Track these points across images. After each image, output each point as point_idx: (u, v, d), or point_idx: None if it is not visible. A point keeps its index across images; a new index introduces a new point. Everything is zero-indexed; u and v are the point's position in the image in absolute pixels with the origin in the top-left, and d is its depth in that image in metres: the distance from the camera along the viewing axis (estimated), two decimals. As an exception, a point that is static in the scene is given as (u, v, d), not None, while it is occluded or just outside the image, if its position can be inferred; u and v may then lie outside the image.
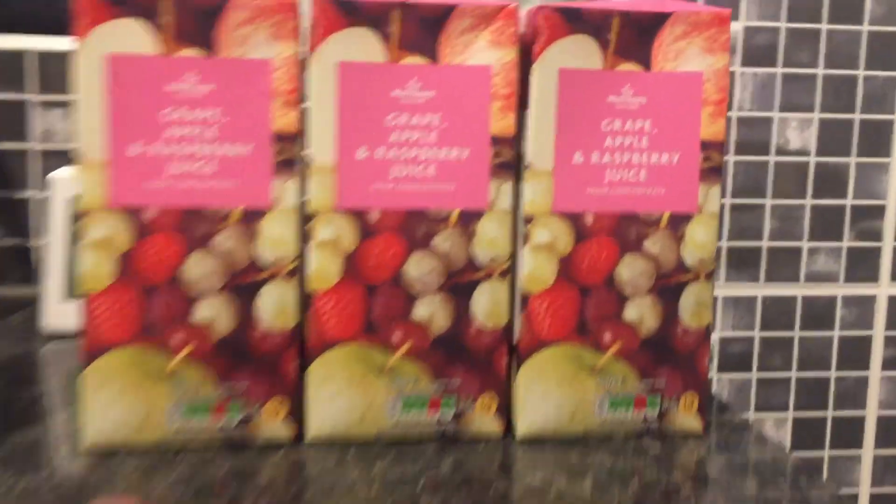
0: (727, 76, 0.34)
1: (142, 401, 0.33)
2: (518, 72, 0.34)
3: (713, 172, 0.35)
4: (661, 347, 0.35)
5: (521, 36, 0.35)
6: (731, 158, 0.68)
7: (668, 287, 0.35)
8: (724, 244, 0.69)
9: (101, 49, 0.31)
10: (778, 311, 0.71)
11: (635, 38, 0.34)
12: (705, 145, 0.35)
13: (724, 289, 0.71)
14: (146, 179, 0.32)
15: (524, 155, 0.34)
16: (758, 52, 0.67)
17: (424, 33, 0.33)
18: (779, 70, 0.67)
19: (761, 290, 0.71)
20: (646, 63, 0.34)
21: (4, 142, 0.55)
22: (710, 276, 0.35)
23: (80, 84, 0.31)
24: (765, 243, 0.70)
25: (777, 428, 0.72)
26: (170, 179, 0.32)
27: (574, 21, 0.33)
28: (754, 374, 0.72)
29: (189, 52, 0.32)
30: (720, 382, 0.71)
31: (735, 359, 0.71)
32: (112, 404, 0.32)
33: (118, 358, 0.32)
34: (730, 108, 0.34)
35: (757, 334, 0.71)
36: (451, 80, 0.33)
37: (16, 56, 0.54)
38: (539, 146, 0.34)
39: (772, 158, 0.68)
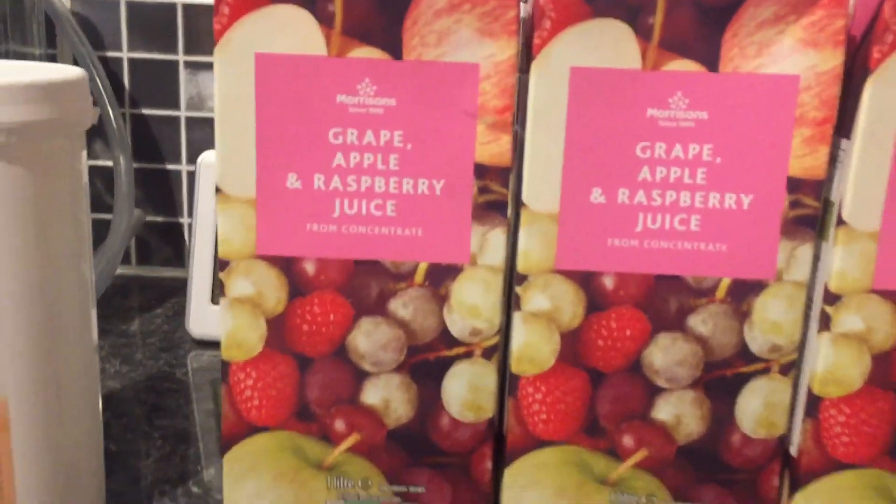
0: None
1: (294, 497, 0.26)
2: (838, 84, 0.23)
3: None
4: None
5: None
6: None
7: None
8: None
9: (248, 47, 0.23)
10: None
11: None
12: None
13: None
14: (306, 222, 0.24)
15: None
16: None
17: (700, 27, 0.23)
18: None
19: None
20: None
21: (152, 108, 0.50)
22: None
23: (219, 94, 0.23)
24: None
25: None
26: (336, 223, 0.24)
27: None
28: None
29: (365, 53, 0.23)
30: None
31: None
32: (257, 499, 0.26)
33: (267, 444, 0.25)
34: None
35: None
36: (734, 97, 0.23)
37: (164, 10, 0.48)
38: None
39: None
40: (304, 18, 0.23)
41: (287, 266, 0.24)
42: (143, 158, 0.51)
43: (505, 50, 0.23)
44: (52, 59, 0.49)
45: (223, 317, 0.25)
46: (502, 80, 0.23)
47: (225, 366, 0.25)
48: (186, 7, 0.49)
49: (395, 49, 0.23)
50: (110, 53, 0.49)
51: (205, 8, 0.49)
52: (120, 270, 0.51)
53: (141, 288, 0.49)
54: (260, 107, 0.23)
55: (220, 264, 0.24)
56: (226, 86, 0.23)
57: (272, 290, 0.25)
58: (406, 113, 0.23)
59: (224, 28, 0.23)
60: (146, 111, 0.50)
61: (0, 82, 0.22)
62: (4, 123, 0.22)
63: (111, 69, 0.50)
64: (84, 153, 0.25)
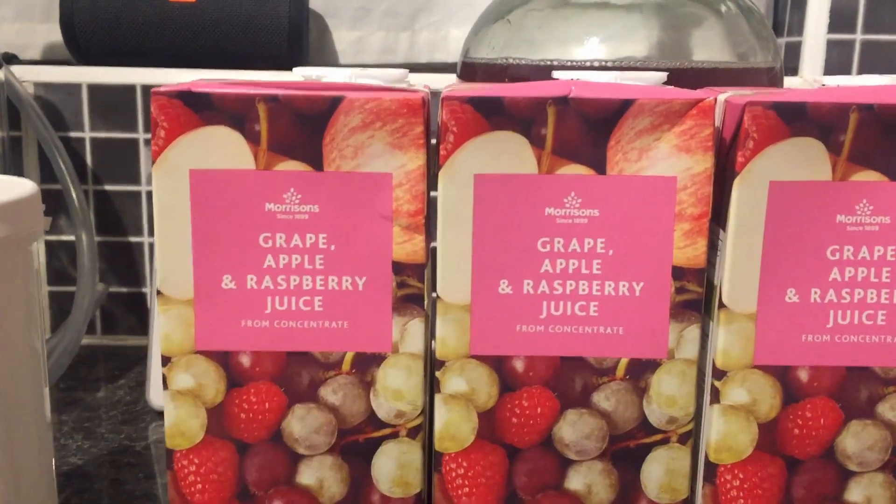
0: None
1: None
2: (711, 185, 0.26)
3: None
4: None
5: (718, 139, 0.27)
6: None
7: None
8: None
9: (183, 164, 0.25)
10: None
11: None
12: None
13: None
14: (241, 319, 0.26)
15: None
16: None
17: (587, 136, 0.25)
18: None
19: None
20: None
21: (115, 184, 0.52)
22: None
23: (158, 206, 0.26)
24: None
25: None
26: (268, 318, 0.26)
27: (793, 119, 0.25)
28: None
29: (290, 166, 0.26)
30: None
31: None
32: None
33: None
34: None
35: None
36: (621, 196, 0.25)
37: (124, 91, 0.51)
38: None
39: None
40: (233, 137, 0.25)
41: (224, 360, 0.27)
42: (107, 232, 0.53)
43: (414, 160, 0.26)
44: (17, 141, 0.51)
45: (166, 408, 0.27)
46: (413, 186, 0.26)
47: (170, 453, 0.27)
48: (145, 88, 0.51)
49: (316, 161, 0.26)
50: (73, 134, 0.52)
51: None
52: (87, 341, 0.53)
53: (106, 357, 0.51)
54: (195, 217, 0.26)
55: (163, 360, 0.27)
56: (164, 199, 0.26)
57: (211, 382, 0.27)
58: (329, 218, 0.26)
59: (161, 149, 0.25)
60: (108, 187, 0.52)
61: (-45, 206, 0.24)
62: (-41, 244, 0.24)
63: (74, 149, 0.52)
64: (35, 253, 0.27)
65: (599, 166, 0.25)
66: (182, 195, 0.26)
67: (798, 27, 0.52)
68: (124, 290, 0.53)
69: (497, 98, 0.25)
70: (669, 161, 0.25)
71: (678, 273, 0.26)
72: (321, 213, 0.26)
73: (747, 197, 0.25)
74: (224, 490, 0.27)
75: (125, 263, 0.53)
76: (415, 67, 0.59)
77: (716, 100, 0.25)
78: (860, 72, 0.51)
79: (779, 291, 0.26)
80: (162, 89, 0.25)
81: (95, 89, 0.51)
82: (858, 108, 0.25)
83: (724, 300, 0.26)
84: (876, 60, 0.51)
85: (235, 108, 0.25)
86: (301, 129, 0.25)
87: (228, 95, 0.25)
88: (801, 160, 0.25)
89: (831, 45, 0.51)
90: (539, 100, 0.25)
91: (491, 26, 0.39)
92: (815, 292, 0.26)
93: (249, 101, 0.25)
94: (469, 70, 0.40)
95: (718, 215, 0.26)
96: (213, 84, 0.26)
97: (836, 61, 0.51)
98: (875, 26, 0.51)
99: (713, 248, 0.27)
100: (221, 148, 0.25)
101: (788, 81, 0.52)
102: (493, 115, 0.25)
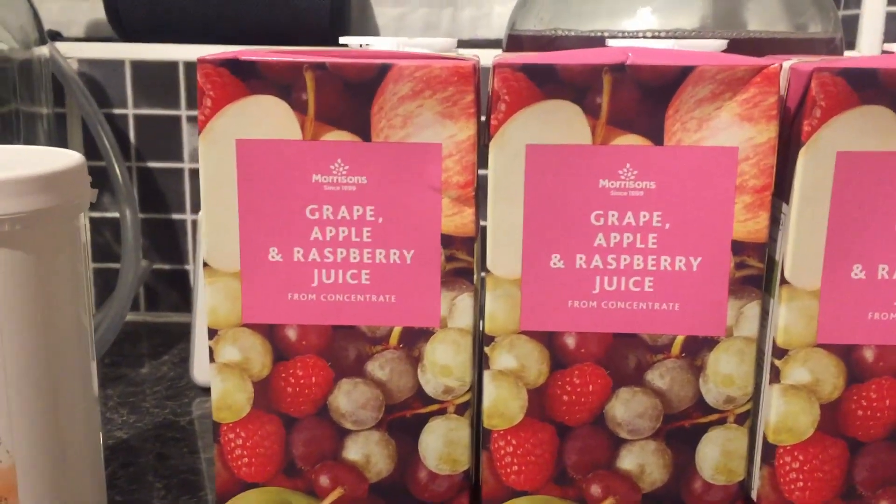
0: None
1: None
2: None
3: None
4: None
5: (782, 108, 0.26)
6: None
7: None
8: None
9: (230, 134, 0.25)
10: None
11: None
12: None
13: None
14: (287, 292, 0.26)
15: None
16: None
17: (644, 105, 0.25)
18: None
19: None
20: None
21: (157, 161, 0.53)
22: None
23: (204, 177, 0.26)
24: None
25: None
26: (315, 292, 0.26)
27: (863, 86, 0.24)
28: None
29: (337, 136, 0.25)
30: None
31: None
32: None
33: (258, 499, 0.27)
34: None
35: None
36: (679, 168, 0.25)
37: (166, 68, 0.51)
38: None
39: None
40: (280, 107, 0.25)
41: (271, 333, 0.26)
42: (150, 209, 0.53)
43: (464, 130, 0.25)
44: (61, 118, 0.52)
45: (213, 381, 0.27)
46: (463, 157, 0.25)
47: (216, 426, 0.27)
48: (188, 65, 0.51)
49: (364, 132, 0.25)
50: (116, 111, 0.52)
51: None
52: (130, 317, 0.54)
53: (150, 334, 0.51)
54: (242, 188, 0.25)
55: (209, 333, 0.26)
56: (210, 169, 0.25)
57: (258, 355, 0.26)
58: (376, 189, 0.25)
59: (207, 118, 0.25)
60: (151, 164, 0.53)
61: (4, 176, 0.24)
62: (9, 214, 0.24)
63: (117, 126, 0.52)
64: (83, 226, 0.27)
65: (657, 137, 0.25)
66: (229, 166, 0.25)
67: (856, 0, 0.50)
68: (167, 266, 0.53)
69: (550, 65, 0.24)
70: (731, 131, 0.24)
71: (738, 248, 0.25)
72: (369, 185, 0.25)
73: (813, 168, 0.24)
74: (270, 464, 0.27)
75: (168, 240, 0.53)
76: (458, 44, 0.58)
77: (781, 67, 0.24)
78: (921, 44, 0.49)
79: (845, 268, 0.25)
80: (208, 57, 0.25)
81: (138, 66, 0.51)
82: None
83: (787, 276, 0.25)
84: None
85: (282, 77, 0.25)
86: (349, 98, 0.25)
87: (275, 63, 0.25)
88: (870, 129, 0.24)
89: (890, 18, 0.49)
90: (595, 67, 0.24)
91: (538, -3, 0.38)
92: (883, 268, 0.25)
93: (297, 69, 0.25)
94: (516, 43, 0.39)
95: (781, 188, 0.25)
96: (259, 52, 0.25)
97: (895, 34, 0.49)
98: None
99: (775, 222, 0.26)
100: (268, 117, 0.25)
101: (847, 55, 0.50)
102: (546, 83, 0.24)
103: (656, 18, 0.36)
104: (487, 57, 0.46)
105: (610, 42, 0.28)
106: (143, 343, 0.50)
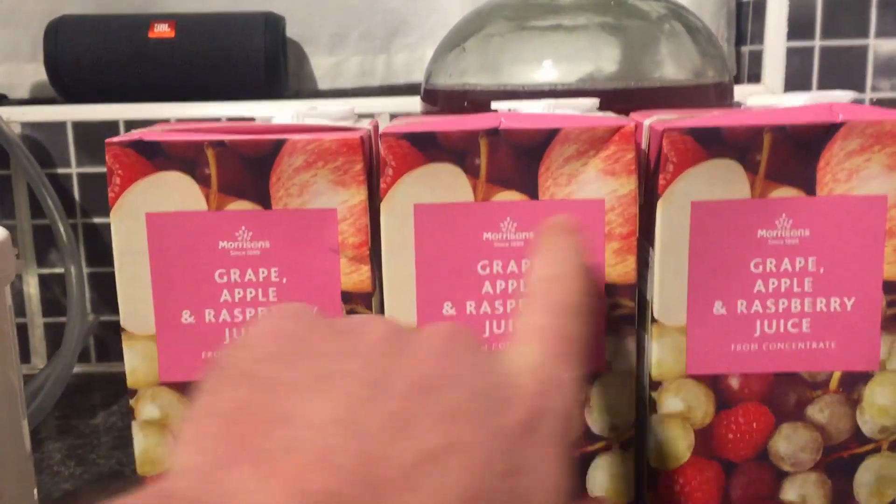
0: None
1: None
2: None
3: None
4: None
5: (645, 161, 0.28)
6: None
7: (840, 461, 0.28)
8: None
9: (139, 208, 0.27)
10: None
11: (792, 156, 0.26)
12: (890, 286, 0.27)
13: None
14: (201, 351, 0.28)
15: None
16: None
17: (519, 164, 0.27)
18: None
19: None
20: (808, 186, 0.27)
21: (102, 217, 0.54)
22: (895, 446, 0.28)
23: (117, 249, 0.28)
24: None
25: None
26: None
27: (709, 143, 0.26)
28: None
29: (240, 206, 0.27)
30: None
31: None
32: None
33: None
34: None
35: None
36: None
37: (107, 127, 0.53)
38: (667, 296, 0.27)
39: None
40: (185, 181, 0.27)
41: (186, 390, 0.28)
42: (97, 263, 0.55)
43: (356, 196, 0.27)
44: (6, 179, 0.53)
45: (135, 438, 0.28)
46: (357, 220, 0.27)
47: (141, 480, 0.29)
48: (128, 123, 0.53)
49: (264, 201, 0.27)
50: (60, 170, 0.54)
51: (144, 122, 0.53)
52: (82, 369, 0.55)
53: (101, 385, 0.53)
54: (153, 257, 0.27)
55: (129, 392, 0.28)
56: (122, 243, 0.27)
57: (176, 412, 0.28)
58: (279, 253, 0.27)
59: (117, 195, 0.27)
60: (96, 220, 0.54)
61: (-73, 257, 0.26)
62: (-68, 293, 0.26)
63: (62, 184, 0.54)
64: (8, 297, 0.28)
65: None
66: (140, 237, 0.27)
67: (759, 36, 0.53)
68: (116, 318, 0.55)
69: (431, 133, 0.27)
70: (597, 184, 0.27)
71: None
72: (272, 249, 0.27)
73: (671, 217, 0.26)
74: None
75: (115, 293, 0.55)
76: (393, 89, 0.61)
77: (636, 126, 0.26)
78: (820, 77, 0.52)
79: (707, 304, 0.27)
80: (115, 140, 0.27)
81: (80, 126, 0.53)
82: (772, 129, 0.26)
83: (656, 315, 0.27)
84: (836, 65, 0.52)
85: (185, 154, 0.27)
86: (248, 171, 0.27)
87: (178, 143, 0.27)
88: (719, 180, 0.26)
89: (791, 53, 0.52)
90: (471, 132, 0.27)
91: (448, 53, 0.41)
92: (742, 303, 0.27)
93: (198, 146, 0.27)
94: (431, 95, 0.42)
95: (649, 234, 0.27)
96: (163, 132, 0.27)
97: (797, 68, 0.52)
98: (833, 33, 0.52)
99: (645, 265, 0.28)
100: (175, 191, 0.27)
101: (752, 89, 0.53)
102: (428, 148, 0.27)
103: (555, 71, 0.38)
104: (416, 105, 0.48)
105: (495, 104, 0.31)
106: (95, 394, 0.52)
